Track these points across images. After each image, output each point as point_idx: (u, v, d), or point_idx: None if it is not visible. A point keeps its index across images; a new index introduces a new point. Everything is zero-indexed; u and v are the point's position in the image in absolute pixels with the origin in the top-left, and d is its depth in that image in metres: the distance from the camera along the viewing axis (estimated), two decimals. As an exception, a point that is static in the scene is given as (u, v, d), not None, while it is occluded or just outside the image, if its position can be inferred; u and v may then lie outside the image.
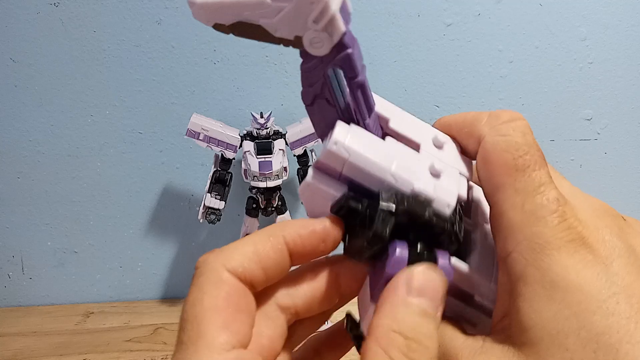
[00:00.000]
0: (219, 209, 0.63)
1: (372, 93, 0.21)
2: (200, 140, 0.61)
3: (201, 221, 0.63)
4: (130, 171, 0.71)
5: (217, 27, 0.18)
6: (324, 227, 0.20)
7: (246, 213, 0.65)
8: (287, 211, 0.66)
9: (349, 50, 0.18)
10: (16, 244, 0.72)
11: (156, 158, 0.70)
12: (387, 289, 0.18)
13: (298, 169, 0.65)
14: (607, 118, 0.75)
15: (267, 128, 0.62)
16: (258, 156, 0.61)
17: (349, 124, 0.20)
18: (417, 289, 0.18)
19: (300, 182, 0.65)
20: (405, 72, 0.70)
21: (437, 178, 0.20)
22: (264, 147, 0.61)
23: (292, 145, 0.63)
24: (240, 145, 0.62)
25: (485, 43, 0.70)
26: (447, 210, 0.19)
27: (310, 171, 0.20)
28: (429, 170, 0.20)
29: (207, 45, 0.67)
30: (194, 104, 0.68)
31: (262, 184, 0.61)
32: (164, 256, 0.75)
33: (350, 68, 0.18)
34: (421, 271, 0.18)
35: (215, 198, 0.63)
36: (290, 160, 0.64)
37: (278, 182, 0.62)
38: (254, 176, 0.61)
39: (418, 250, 0.19)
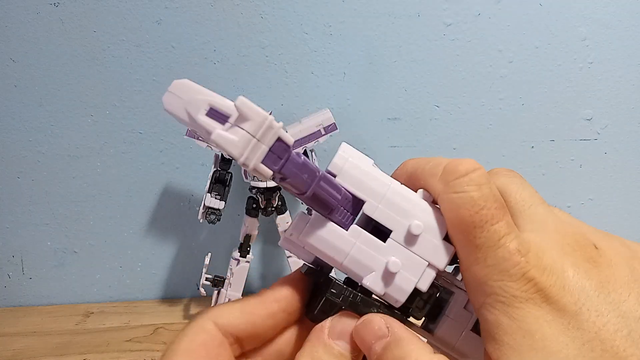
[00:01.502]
0: (219, 209, 0.63)
1: (362, 163, 0.21)
2: (200, 140, 0.61)
3: (201, 221, 0.63)
4: (130, 171, 0.71)
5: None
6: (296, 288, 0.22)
7: (246, 213, 0.65)
8: (287, 211, 0.66)
9: (287, 180, 0.19)
10: (16, 244, 0.72)
11: (156, 158, 0.70)
12: (312, 331, 0.21)
13: (298, 169, 0.65)
14: (607, 118, 0.75)
15: (267, 128, 0.62)
16: (258, 156, 0.61)
17: (311, 212, 0.21)
18: (336, 332, 0.20)
19: (300, 182, 0.65)
20: (405, 72, 0.70)
21: (392, 276, 0.20)
22: (264, 147, 0.61)
23: (292, 145, 0.63)
24: (240, 145, 0.62)
25: (485, 43, 0.70)
26: (395, 305, 0.21)
27: (281, 237, 0.22)
28: (384, 266, 0.21)
29: (207, 45, 0.67)
30: (194, 104, 0.68)
31: (262, 184, 0.61)
32: (164, 256, 0.75)
33: (295, 190, 0.20)
34: (342, 318, 0.21)
35: (215, 198, 0.63)
36: (290, 160, 0.64)
37: (278, 182, 0.62)
38: (254, 176, 0.61)
39: None
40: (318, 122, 0.63)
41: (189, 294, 0.76)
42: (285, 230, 0.24)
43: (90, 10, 0.64)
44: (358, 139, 0.70)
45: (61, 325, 0.68)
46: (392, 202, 0.21)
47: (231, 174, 0.64)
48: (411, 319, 0.22)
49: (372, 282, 0.21)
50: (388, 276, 0.20)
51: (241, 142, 0.18)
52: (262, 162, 0.18)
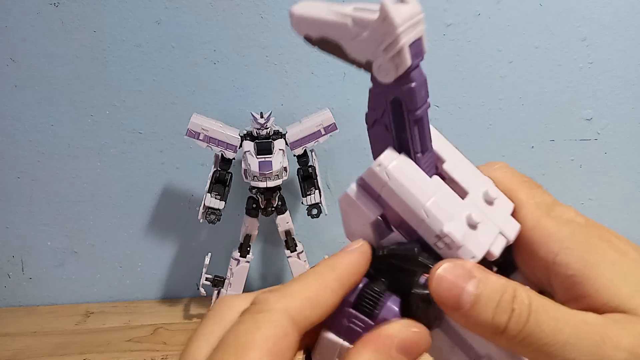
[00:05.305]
0: (219, 209, 0.63)
1: (438, 133, 0.22)
2: (200, 140, 0.61)
3: (201, 221, 0.63)
4: (130, 171, 0.71)
5: (307, 38, 0.20)
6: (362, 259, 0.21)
7: (246, 213, 0.65)
8: (287, 211, 0.66)
9: (412, 85, 0.19)
10: (16, 244, 0.72)
11: (156, 158, 0.70)
12: (375, 334, 0.19)
13: (298, 169, 0.65)
14: (607, 118, 0.75)
15: (267, 128, 0.62)
16: (258, 156, 0.61)
17: (400, 153, 0.21)
18: (404, 347, 0.19)
19: (300, 182, 0.65)
20: (405, 72, 0.70)
21: (472, 228, 0.20)
22: (264, 147, 0.61)
23: (292, 145, 0.63)
24: (240, 145, 0.62)
25: (485, 43, 0.70)
26: (472, 260, 0.20)
27: (352, 185, 0.21)
28: (466, 218, 0.20)
29: (207, 45, 0.67)
30: (194, 104, 0.68)
31: (262, 184, 0.61)
32: (164, 256, 0.75)
33: (410, 101, 0.20)
34: (413, 331, 0.19)
35: (215, 198, 0.63)
36: (290, 160, 0.64)
37: (278, 182, 0.62)
38: (254, 176, 0.61)
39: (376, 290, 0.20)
40: (318, 122, 0.63)
41: (189, 294, 0.76)
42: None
43: (90, 10, 0.64)
44: (358, 139, 0.70)
45: (61, 325, 0.68)
46: (470, 167, 0.22)
47: (231, 174, 0.64)
48: None
49: (454, 228, 0.19)
50: (469, 227, 0.20)
51: (406, 15, 0.18)
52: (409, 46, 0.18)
